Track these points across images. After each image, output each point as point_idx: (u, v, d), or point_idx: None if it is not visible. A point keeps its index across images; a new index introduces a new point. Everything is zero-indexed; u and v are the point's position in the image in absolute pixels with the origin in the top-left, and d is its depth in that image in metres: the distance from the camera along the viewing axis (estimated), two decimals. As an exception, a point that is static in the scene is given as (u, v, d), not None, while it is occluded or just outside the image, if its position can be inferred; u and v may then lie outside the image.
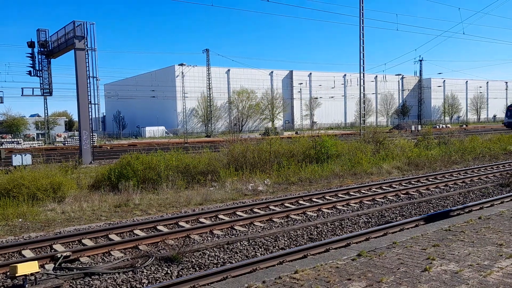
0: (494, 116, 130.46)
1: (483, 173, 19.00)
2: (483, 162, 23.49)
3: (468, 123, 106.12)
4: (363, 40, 38.09)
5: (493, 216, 9.73)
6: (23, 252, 9.00)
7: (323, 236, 10.07)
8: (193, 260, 8.36)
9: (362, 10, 37.65)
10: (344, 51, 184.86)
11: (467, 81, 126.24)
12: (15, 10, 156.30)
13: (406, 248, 7.48)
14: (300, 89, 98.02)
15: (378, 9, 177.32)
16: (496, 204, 12.05)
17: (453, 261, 6.67)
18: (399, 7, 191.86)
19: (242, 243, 9.48)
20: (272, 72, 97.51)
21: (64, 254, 8.40)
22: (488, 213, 10.10)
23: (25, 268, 6.83)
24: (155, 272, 7.78)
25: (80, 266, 8.12)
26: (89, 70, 27.33)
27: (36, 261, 7.28)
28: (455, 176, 18.31)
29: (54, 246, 9.36)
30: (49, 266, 8.09)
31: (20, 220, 11.92)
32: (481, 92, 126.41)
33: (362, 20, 37.73)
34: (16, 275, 6.74)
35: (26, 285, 6.86)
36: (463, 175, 18.53)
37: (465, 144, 28.24)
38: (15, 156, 23.54)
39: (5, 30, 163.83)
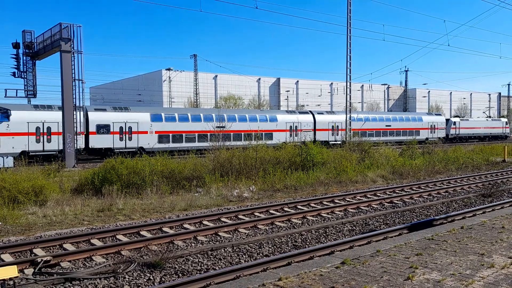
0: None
1: (466, 183, 19.24)
2: (466, 172, 23.81)
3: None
4: (350, 49, 38.45)
5: (475, 226, 9.84)
6: (2, 256, 8.82)
7: (308, 243, 10.07)
8: (176, 266, 8.28)
9: (350, 20, 38.04)
10: (331, 60, 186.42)
11: (451, 92, 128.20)
12: (0, 10, 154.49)
13: (389, 256, 7.52)
14: (287, 96, 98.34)
15: (365, 19, 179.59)
16: (478, 214, 12.21)
17: (435, 270, 6.72)
18: (386, 18, 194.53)
19: (226, 249, 9.42)
20: (259, 79, 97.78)
21: (45, 258, 8.25)
22: (470, 223, 10.21)
23: (4, 273, 6.67)
24: (137, 278, 7.68)
25: (61, 271, 7.98)
26: (74, 73, 27.05)
27: (15, 266, 7.10)
28: (439, 186, 18.51)
29: (34, 251, 9.19)
30: (29, 271, 7.94)
31: (0, 223, 11.69)
32: (464, 103, 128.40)
33: (349, 29, 38.11)
34: (-6, 279, 6.59)
35: (4, 290, 6.71)
36: (446, 185, 18.74)
37: (448, 154, 28.60)
38: (-3, 158, 23.15)
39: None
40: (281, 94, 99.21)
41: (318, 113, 47.18)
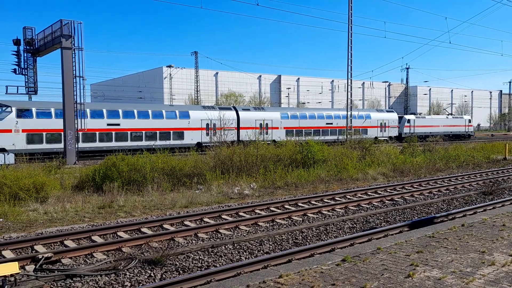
0: (478, 125, 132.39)
1: (467, 181, 19.23)
2: (466, 170, 23.80)
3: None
4: (351, 46, 38.42)
5: (476, 224, 9.84)
6: (3, 252, 8.83)
7: (308, 240, 10.08)
8: (177, 263, 8.29)
9: (351, 17, 37.97)
10: (332, 57, 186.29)
11: (452, 90, 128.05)
12: (0, 6, 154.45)
13: (390, 254, 7.52)
14: (288, 93, 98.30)
15: (366, 16, 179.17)
16: (479, 212, 12.20)
17: (436, 267, 6.72)
18: (388, 15, 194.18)
19: (227, 246, 9.43)
20: (260, 76, 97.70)
21: (46, 255, 8.27)
22: (471, 221, 10.21)
23: (5, 269, 6.69)
24: (138, 275, 7.69)
25: (62, 268, 7.99)
26: (75, 70, 27.02)
27: (17, 262, 7.14)
28: (439, 184, 18.50)
29: (35, 247, 9.21)
30: (30, 267, 7.95)
31: (1, 220, 11.71)
32: (465, 101, 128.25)
33: (351, 27, 38.06)
34: (-5, 276, 6.61)
35: (6, 286, 6.72)
36: (447, 183, 18.74)
37: (449, 152, 28.58)
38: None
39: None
40: (282, 91, 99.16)
41: (244, 109, 42.35)
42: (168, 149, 24.70)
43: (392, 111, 56.91)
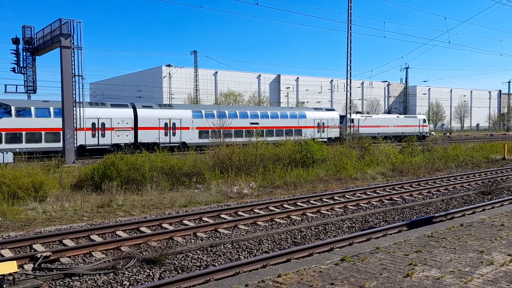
0: (477, 124, 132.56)
1: (466, 180, 19.24)
2: (465, 170, 23.81)
3: (452, 131, 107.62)
4: (350, 46, 38.43)
5: (474, 223, 9.85)
6: (2, 251, 8.81)
7: (307, 240, 10.08)
8: (176, 262, 8.29)
9: (350, 16, 37.98)
10: (331, 57, 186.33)
11: (451, 90, 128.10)
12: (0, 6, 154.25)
13: (389, 253, 7.52)
14: (287, 93, 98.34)
15: (366, 16, 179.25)
16: (478, 212, 12.21)
17: (435, 267, 6.72)
18: (387, 15, 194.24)
19: (225, 246, 9.43)
20: (259, 75, 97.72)
21: (44, 254, 8.26)
22: (470, 220, 10.22)
23: (3, 268, 6.68)
24: (137, 274, 7.68)
25: (60, 267, 7.98)
26: (74, 69, 26.99)
27: (15, 261, 7.13)
28: (438, 183, 18.51)
29: (34, 246, 9.20)
30: (28, 266, 7.94)
31: (0, 218, 11.69)
32: (465, 101, 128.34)
33: (350, 26, 38.08)
34: (-6, 275, 6.60)
35: (4, 285, 6.71)
36: (446, 182, 18.74)
37: (448, 152, 28.60)
38: (-3, 153, 23.15)
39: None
40: (281, 90, 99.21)
41: (145, 107, 36.98)
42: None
43: (333, 110, 51.65)
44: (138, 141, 34.27)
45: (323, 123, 46.79)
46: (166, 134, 36.27)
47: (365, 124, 51.53)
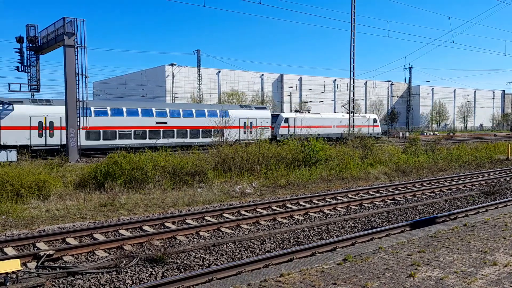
0: (481, 125, 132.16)
1: (469, 181, 19.19)
2: (469, 170, 23.74)
3: (455, 131, 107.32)
4: (354, 45, 38.36)
5: (478, 224, 9.82)
6: (5, 249, 8.85)
7: (310, 240, 10.07)
8: (179, 261, 8.30)
9: (354, 16, 37.92)
10: (335, 56, 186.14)
11: (455, 90, 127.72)
12: (3, 4, 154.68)
13: (391, 253, 7.51)
14: (290, 92, 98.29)
15: (369, 15, 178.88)
16: (481, 212, 12.17)
17: (438, 267, 6.71)
18: (391, 14, 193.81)
19: (228, 245, 9.43)
20: (263, 75, 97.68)
21: (47, 252, 8.28)
22: (473, 221, 10.19)
23: (7, 266, 6.71)
24: (140, 273, 7.70)
25: (63, 265, 8.00)
26: (78, 67, 27.10)
27: (18, 259, 7.16)
28: (442, 183, 18.46)
29: (37, 244, 9.22)
30: (32, 265, 7.97)
31: (3, 217, 11.74)
32: (468, 101, 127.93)
33: (354, 26, 38.01)
34: (-3, 273, 6.62)
35: (8, 283, 6.73)
36: (449, 183, 18.69)
37: (451, 152, 28.51)
38: (0, 152, 23.23)
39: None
40: (284, 90, 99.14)
41: (15, 102, 30.64)
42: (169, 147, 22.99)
43: (264, 108, 46.18)
44: (1, 143, 28.95)
45: (251, 122, 41.31)
46: (40, 135, 31.01)
47: (303, 124, 46.34)
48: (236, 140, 34.20)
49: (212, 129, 36.36)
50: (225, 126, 34.08)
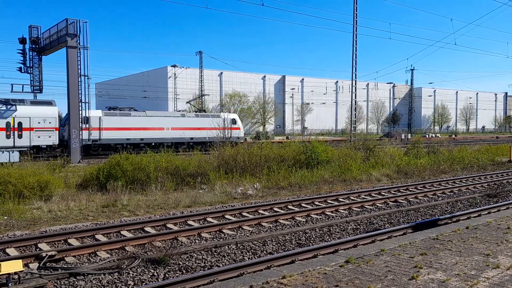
0: (483, 127, 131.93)
1: (471, 183, 19.14)
2: (471, 172, 23.69)
3: (457, 133, 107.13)
4: (356, 47, 38.35)
5: (480, 226, 9.79)
6: (7, 250, 8.86)
7: (312, 241, 10.06)
8: (180, 263, 8.30)
9: (356, 17, 37.92)
10: (337, 58, 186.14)
11: (457, 92, 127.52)
12: (6, 5, 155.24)
13: (394, 255, 7.49)
14: (292, 94, 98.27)
15: (371, 17, 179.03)
16: (484, 214, 12.14)
17: (440, 270, 6.69)
18: (393, 16, 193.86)
19: (230, 246, 9.43)
20: (264, 76, 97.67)
21: (49, 253, 8.29)
22: (476, 223, 10.16)
23: (9, 267, 6.71)
24: (141, 274, 7.70)
25: (65, 266, 8.01)
26: (80, 69, 27.17)
27: (21, 260, 7.16)
28: (444, 185, 18.43)
29: (39, 245, 9.23)
30: (34, 265, 7.97)
31: (6, 218, 11.75)
32: (470, 103, 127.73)
33: (356, 27, 38.00)
34: (0, 273, 6.63)
35: (10, 284, 6.74)
36: (452, 185, 18.66)
37: (454, 154, 28.46)
38: (2, 153, 23.29)
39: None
40: (286, 91, 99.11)
41: None
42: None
43: (49, 103, 32.12)
44: None
45: (20, 123, 29.89)
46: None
47: (115, 126, 34.87)
48: None
49: None
50: None
